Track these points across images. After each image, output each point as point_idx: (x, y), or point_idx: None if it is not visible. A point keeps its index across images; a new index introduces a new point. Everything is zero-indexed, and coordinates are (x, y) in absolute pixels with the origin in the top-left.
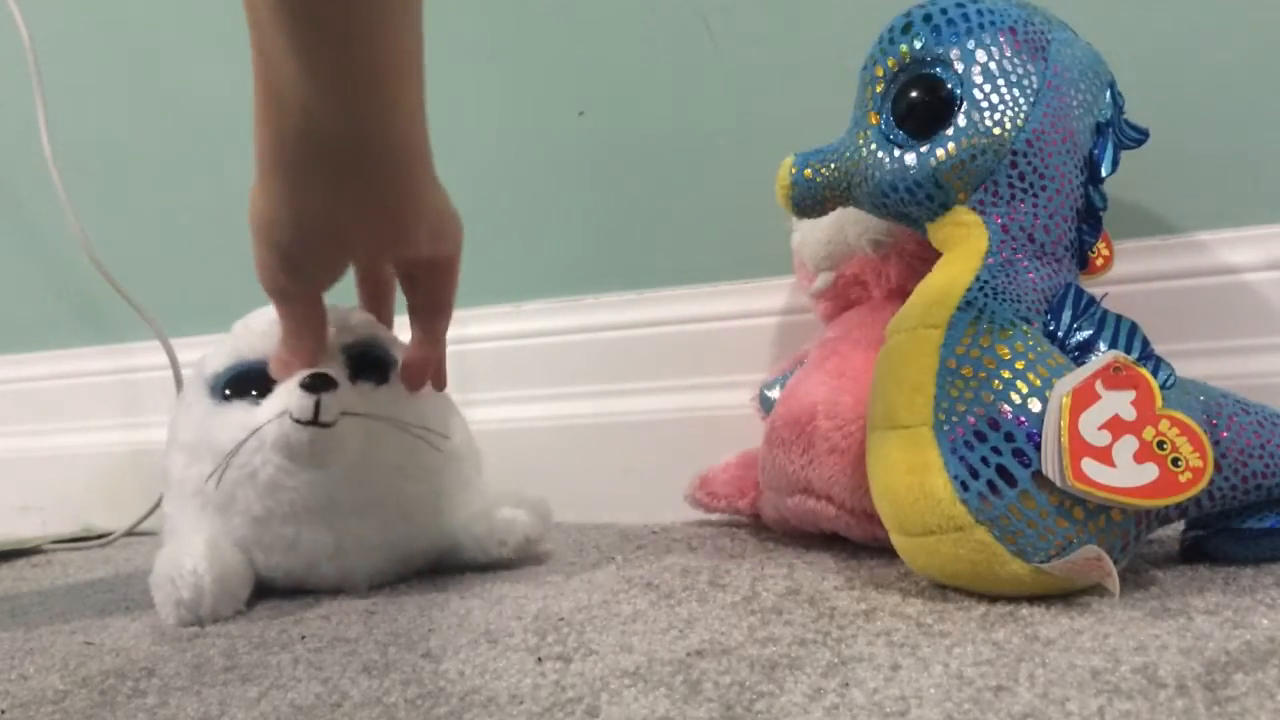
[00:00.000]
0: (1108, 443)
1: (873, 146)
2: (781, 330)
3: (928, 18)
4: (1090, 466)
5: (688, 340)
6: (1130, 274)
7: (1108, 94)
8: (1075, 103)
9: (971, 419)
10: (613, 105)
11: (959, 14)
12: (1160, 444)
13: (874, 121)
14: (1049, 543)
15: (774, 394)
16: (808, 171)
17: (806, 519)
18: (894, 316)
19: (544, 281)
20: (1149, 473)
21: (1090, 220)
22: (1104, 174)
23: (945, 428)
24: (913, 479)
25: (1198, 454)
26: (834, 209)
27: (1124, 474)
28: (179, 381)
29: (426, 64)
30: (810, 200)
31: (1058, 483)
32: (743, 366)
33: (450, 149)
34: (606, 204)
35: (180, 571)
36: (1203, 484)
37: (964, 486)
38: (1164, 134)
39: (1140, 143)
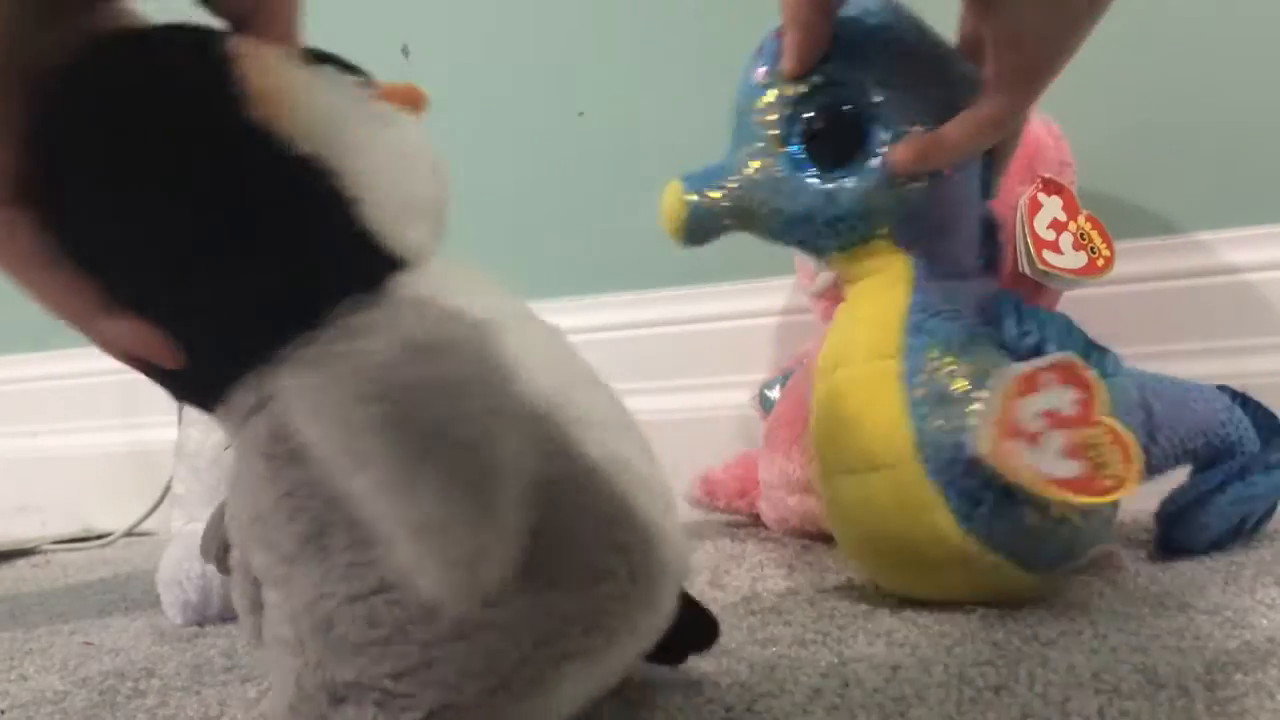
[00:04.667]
0: (1040, 429)
1: (780, 173)
2: (781, 330)
3: (841, 28)
4: (1014, 449)
5: (688, 340)
6: (1130, 274)
7: None
8: None
9: (959, 446)
10: (613, 105)
11: (874, 26)
12: (1091, 447)
13: (778, 148)
14: (1054, 549)
15: (774, 394)
16: (706, 197)
17: (807, 518)
18: (824, 351)
19: (544, 281)
20: (1071, 468)
21: (989, 231)
22: (992, 193)
23: (934, 461)
24: (909, 519)
25: (1124, 465)
26: (723, 236)
27: (1049, 462)
28: None
29: (426, 65)
30: (706, 229)
31: (983, 451)
32: (743, 366)
33: (450, 149)
34: (606, 204)
35: (189, 574)
36: (1121, 493)
37: (967, 517)
38: (1165, 134)
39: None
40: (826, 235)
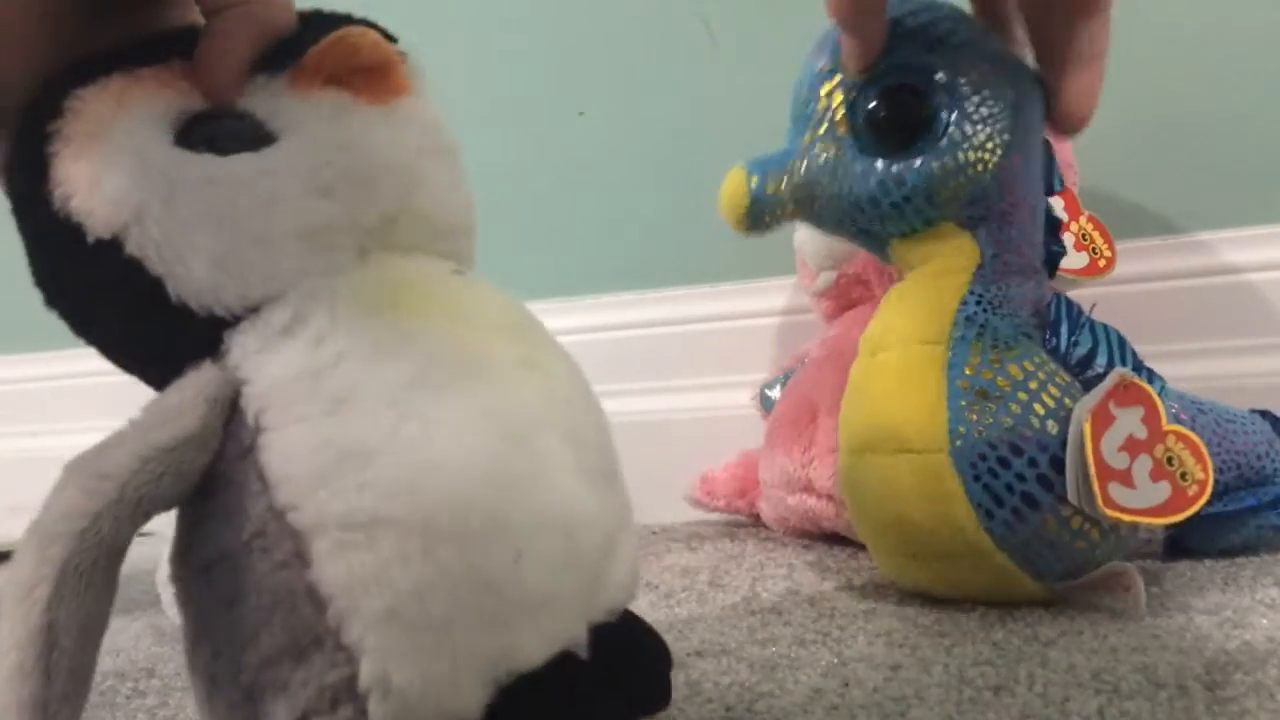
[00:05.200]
0: (1126, 465)
1: (845, 156)
2: (781, 330)
3: (898, 21)
4: (1116, 491)
5: (688, 340)
6: (1130, 274)
7: (1040, 108)
8: (1035, 117)
9: (993, 444)
10: (613, 105)
11: (930, 19)
12: (1169, 460)
13: (843, 132)
14: (1065, 563)
15: (774, 393)
16: (770, 185)
17: (807, 518)
18: (870, 330)
19: (544, 281)
20: (1163, 491)
21: (1052, 232)
22: (1056, 188)
23: (965, 454)
24: (929, 507)
25: (1200, 466)
26: (783, 225)
27: (1143, 494)
28: None
29: (427, 65)
30: (768, 217)
31: (1087, 509)
32: (743, 366)
33: None
34: (606, 204)
35: None
36: (1206, 496)
37: (988, 515)
38: (1165, 134)
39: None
40: (892, 218)
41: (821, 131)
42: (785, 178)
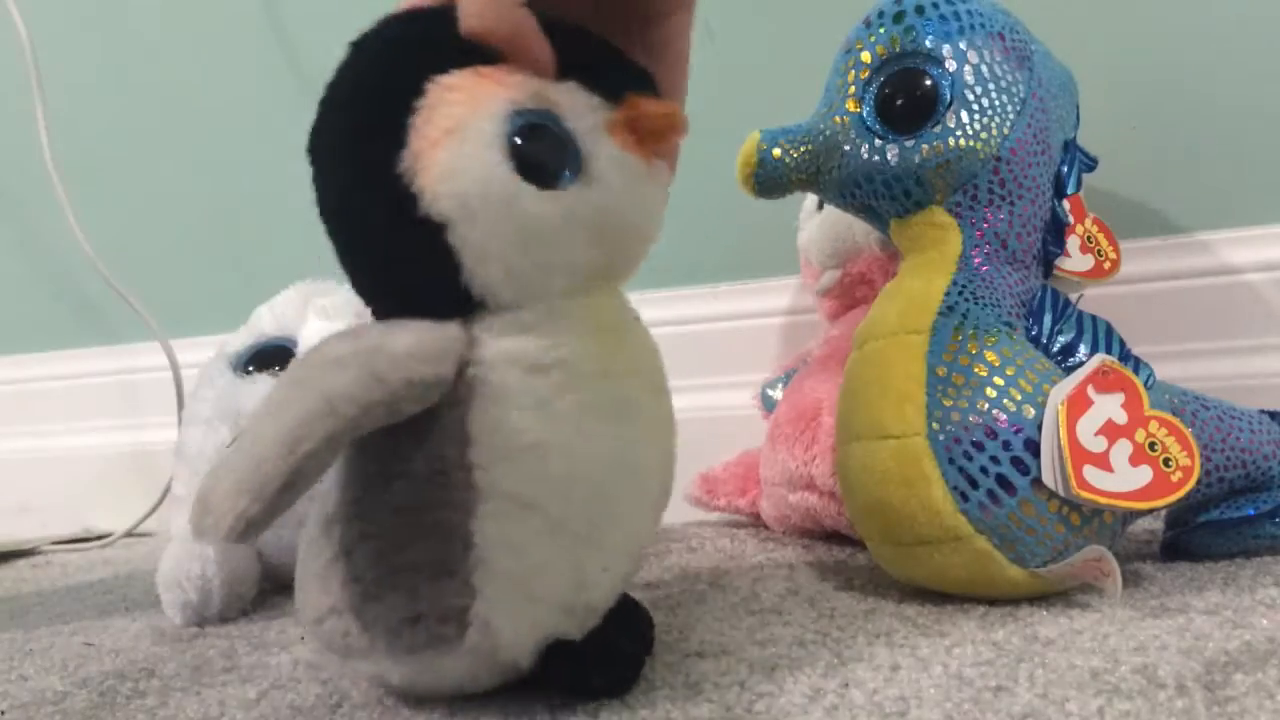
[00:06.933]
0: (1104, 448)
1: (851, 134)
2: (781, 331)
3: (920, 9)
4: (1091, 474)
5: (688, 340)
6: (1130, 274)
7: (1075, 113)
8: (1053, 117)
9: (967, 428)
10: None
11: (950, 11)
12: (1151, 445)
13: (853, 109)
14: (1047, 548)
15: (775, 392)
16: (777, 151)
17: (808, 516)
18: (862, 324)
19: None
20: (1144, 475)
21: (1054, 232)
22: (1069, 191)
23: (941, 437)
24: (907, 491)
25: (1186, 453)
26: (792, 193)
27: (1122, 478)
28: (179, 382)
29: None
30: (774, 182)
31: (1061, 492)
32: (743, 366)
33: None
34: None
35: (189, 574)
36: (1192, 483)
37: (964, 497)
38: (1165, 134)
39: (1091, 169)
40: (885, 196)
41: (836, 107)
42: (796, 147)
